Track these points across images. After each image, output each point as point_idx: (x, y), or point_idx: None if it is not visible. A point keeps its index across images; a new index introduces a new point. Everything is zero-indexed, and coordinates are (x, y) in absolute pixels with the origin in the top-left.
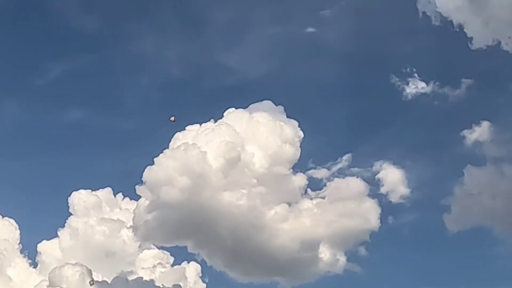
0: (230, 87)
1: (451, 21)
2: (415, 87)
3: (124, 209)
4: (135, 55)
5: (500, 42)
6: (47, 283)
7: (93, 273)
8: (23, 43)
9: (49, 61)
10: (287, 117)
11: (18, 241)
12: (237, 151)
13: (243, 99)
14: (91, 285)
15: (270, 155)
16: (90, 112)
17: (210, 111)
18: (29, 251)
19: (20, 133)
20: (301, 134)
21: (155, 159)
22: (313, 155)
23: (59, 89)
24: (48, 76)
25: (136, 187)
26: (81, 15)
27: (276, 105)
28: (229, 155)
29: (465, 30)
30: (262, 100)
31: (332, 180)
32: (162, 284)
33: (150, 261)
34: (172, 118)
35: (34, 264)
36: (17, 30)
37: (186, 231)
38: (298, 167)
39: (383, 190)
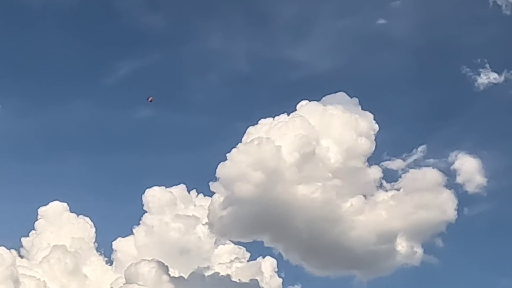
0: (300, 81)
1: None
2: (487, 77)
3: (199, 206)
4: (202, 52)
5: None
6: (123, 280)
7: (169, 269)
8: (91, 43)
9: (117, 60)
10: (362, 109)
11: (94, 240)
12: (312, 145)
13: (315, 91)
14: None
15: (345, 149)
16: (159, 110)
17: (283, 104)
18: (105, 249)
19: (91, 132)
20: (376, 127)
21: (227, 155)
22: (388, 147)
23: (127, 88)
24: (116, 75)
25: (210, 183)
26: (147, 14)
27: (351, 97)
28: (304, 149)
29: None
30: (335, 92)
31: (408, 171)
32: (239, 279)
33: (226, 257)
34: (150, 98)
35: (110, 262)
36: (85, 30)
37: (262, 226)
38: (373, 159)
39: (459, 180)
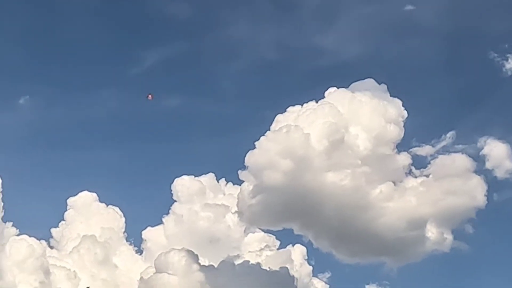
0: (328, 68)
1: None
2: None
3: (228, 194)
4: (229, 40)
5: None
6: (153, 269)
7: (199, 258)
8: (117, 33)
9: (144, 50)
10: (391, 95)
11: (123, 230)
12: (340, 132)
13: (343, 78)
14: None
15: (374, 136)
16: (187, 99)
17: (311, 91)
18: (134, 239)
19: (119, 122)
20: (405, 113)
21: (256, 143)
22: (417, 133)
23: (155, 77)
24: (143, 64)
25: (239, 172)
26: (174, 3)
27: (379, 83)
28: (333, 137)
29: None
30: (363, 79)
31: (437, 157)
32: (269, 267)
33: (256, 245)
34: (150, 96)
35: (140, 252)
36: (111, 20)
37: (291, 214)
38: (402, 146)
39: (488, 165)
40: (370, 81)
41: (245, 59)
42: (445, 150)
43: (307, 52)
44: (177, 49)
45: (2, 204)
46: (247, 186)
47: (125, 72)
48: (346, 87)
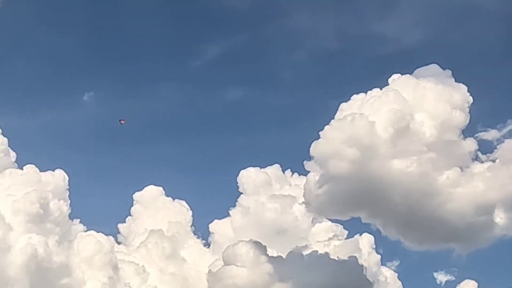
0: (390, 54)
1: None
2: None
3: (294, 185)
4: (289, 30)
5: None
6: (221, 262)
7: (267, 249)
8: (178, 27)
9: (204, 42)
10: (455, 81)
11: (190, 223)
12: (406, 119)
13: (406, 64)
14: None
15: (439, 122)
16: (249, 90)
17: (374, 79)
18: (202, 232)
19: (183, 115)
20: (470, 99)
21: (320, 133)
22: (482, 118)
23: (216, 69)
24: (204, 57)
25: (304, 162)
26: None
27: (443, 69)
28: (398, 124)
29: None
30: (427, 65)
31: (503, 142)
32: (337, 257)
33: (323, 235)
34: (122, 121)
35: (207, 245)
36: (171, 14)
37: (358, 202)
38: (468, 131)
39: None
40: (434, 67)
41: (306, 48)
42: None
43: (368, 39)
44: (238, 41)
45: (69, 201)
46: (313, 176)
47: (187, 66)
48: (410, 73)
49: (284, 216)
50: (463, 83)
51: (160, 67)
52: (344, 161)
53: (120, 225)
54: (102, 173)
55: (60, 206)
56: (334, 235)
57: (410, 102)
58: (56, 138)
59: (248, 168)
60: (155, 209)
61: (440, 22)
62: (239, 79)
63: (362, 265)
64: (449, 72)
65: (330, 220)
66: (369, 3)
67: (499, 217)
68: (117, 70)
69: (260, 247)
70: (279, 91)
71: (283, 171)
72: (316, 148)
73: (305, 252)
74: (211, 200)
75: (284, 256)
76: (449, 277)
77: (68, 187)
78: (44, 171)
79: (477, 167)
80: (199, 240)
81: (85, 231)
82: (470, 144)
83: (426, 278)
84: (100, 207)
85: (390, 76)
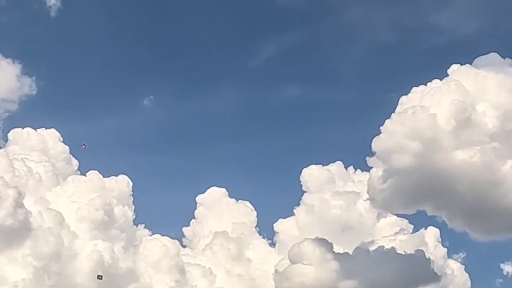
0: (447, 45)
1: None
2: None
3: (357, 181)
4: (345, 25)
5: None
6: (288, 261)
7: (333, 246)
8: (234, 27)
9: (261, 41)
10: None
11: (255, 224)
12: (468, 111)
13: (465, 54)
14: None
15: (502, 112)
16: (307, 87)
17: (433, 70)
18: (266, 232)
19: (242, 115)
20: None
21: (381, 128)
22: None
23: (273, 68)
24: (261, 56)
25: (367, 158)
26: None
27: (503, 58)
28: (460, 116)
29: None
30: (486, 54)
31: None
32: (404, 251)
33: (389, 230)
34: (83, 146)
35: (273, 244)
36: (227, 15)
37: (423, 195)
38: None
39: None
40: (494, 56)
41: (363, 42)
42: None
43: (425, 30)
44: (293, 38)
45: (134, 207)
46: (377, 172)
47: (244, 65)
48: (470, 63)
49: (349, 213)
50: None
51: (218, 68)
52: (407, 155)
53: (184, 229)
54: (165, 176)
55: (125, 212)
56: (400, 230)
57: (472, 92)
58: (118, 144)
59: (311, 166)
60: (219, 211)
61: (497, 10)
62: (297, 76)
63: (429, 259)
64: (509, 60)
65: (395, 214)
66: None
67: None
68: (175, 73)
69: (326, 245)
70: (338, 87)
71: (346, 168)
72: (378, 143)
73: (371, 248)
74: (275, 199)
75: (350, 253)
76: None
77: (131, 193)
78: (107, 177)
79: None
80: (264, 240)
81: (150, 235)
82: None
83: (493, 269)
84: (164, 211)
85: (449, 67)
